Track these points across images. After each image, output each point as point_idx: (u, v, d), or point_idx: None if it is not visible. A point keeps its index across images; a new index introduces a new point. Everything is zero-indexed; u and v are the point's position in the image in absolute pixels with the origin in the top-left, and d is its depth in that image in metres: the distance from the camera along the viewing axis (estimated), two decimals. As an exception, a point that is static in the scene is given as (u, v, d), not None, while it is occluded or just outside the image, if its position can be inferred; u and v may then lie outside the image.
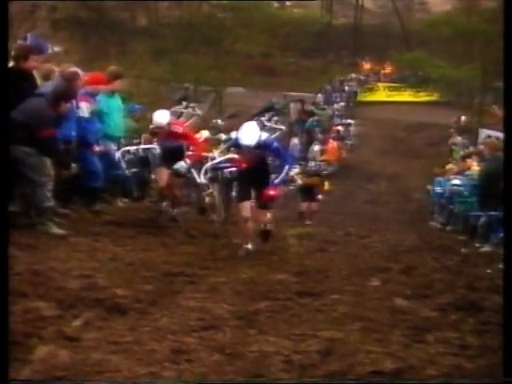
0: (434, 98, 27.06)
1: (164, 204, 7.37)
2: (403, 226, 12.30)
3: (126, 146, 8.22)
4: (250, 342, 3.73)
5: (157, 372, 3.19)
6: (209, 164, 7.33)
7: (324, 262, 6.27)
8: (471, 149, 15.81)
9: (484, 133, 18.51)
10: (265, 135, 6.46)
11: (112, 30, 29.40)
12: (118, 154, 7.71)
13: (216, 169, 7.71)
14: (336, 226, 10.39)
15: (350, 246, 7.86)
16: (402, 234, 10.07)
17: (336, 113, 24.89)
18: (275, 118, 9.25)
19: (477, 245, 8.35)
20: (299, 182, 13.17)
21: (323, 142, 20.61)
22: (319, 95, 26.07)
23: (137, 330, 3.75)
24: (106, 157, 7.25)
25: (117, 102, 7.38)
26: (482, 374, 3.45)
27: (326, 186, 13.83)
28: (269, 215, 6.57)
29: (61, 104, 5.85)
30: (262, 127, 8.25)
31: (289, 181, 17.55)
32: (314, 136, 21.29)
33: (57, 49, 7.67)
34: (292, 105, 22.57)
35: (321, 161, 13.99)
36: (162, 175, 7.22)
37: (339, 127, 22.69)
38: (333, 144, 20.71)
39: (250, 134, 6.07)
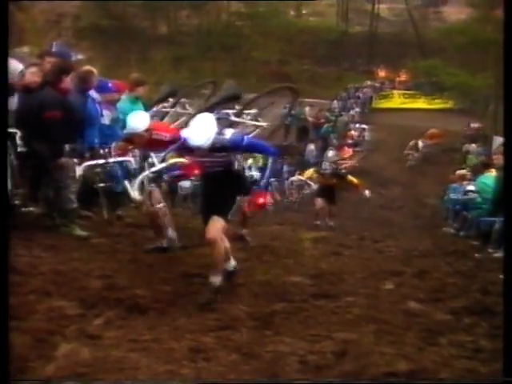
0: (448, 105, 26.94)
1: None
2: (417, 231, 12.24)
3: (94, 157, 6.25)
4: (266, 342, 3.80)
5: (175, 370, 3.29)
6: (144, 174, 5.15)
7: (339, 265, 6.28)
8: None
9: (498, 140, 18.34)
10: (230, 132, 4.84)
11: (133, 38, 29.81)
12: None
13: (157, 178, 5.78)
14: (350, 231, 10.37)
15: (364, 249, 7.85)
16: (416, 239, 10.02)
17: (351, 119, 24.91)
18: (251, 112, 6.84)
19: (490, 250, 8.30)
20: (314, 186, 12.72)
21: (338, 148, 20.62)
22: (335, 102, 26.11)
23: (156, 329, 3.84)
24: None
25: (140, 108, 7.46)
26: (495, 377, 3.50)
27: (355, 180, 12.94)
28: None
29: (62, 79, 5.79)
30: (229, 124, 6.07)
31: (285, 180, 16.59)
32: (329, 142, 21.35)
33: (80, 56, 7.73)
34: (307, 109, 22.65)
35: (335, 161, 13.20)
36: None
37: (353, 132, 22.73)
38: (348, 151, 20.70)
39: (200, 129, 4.57)
